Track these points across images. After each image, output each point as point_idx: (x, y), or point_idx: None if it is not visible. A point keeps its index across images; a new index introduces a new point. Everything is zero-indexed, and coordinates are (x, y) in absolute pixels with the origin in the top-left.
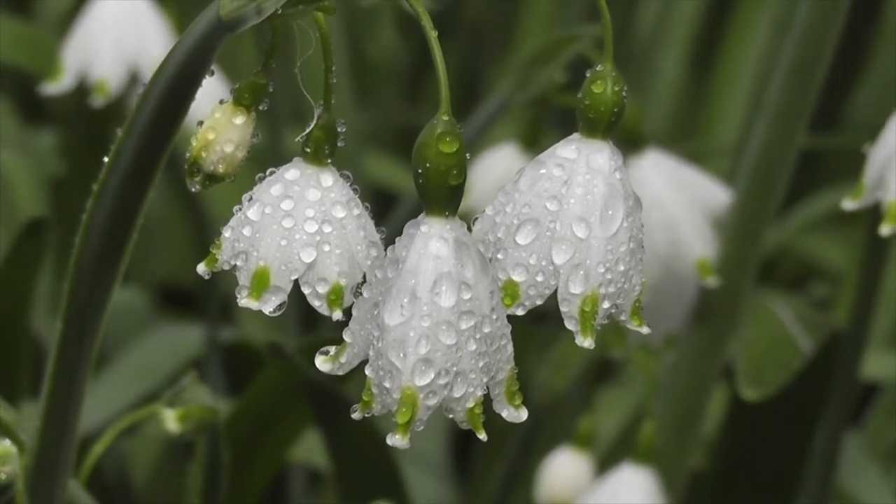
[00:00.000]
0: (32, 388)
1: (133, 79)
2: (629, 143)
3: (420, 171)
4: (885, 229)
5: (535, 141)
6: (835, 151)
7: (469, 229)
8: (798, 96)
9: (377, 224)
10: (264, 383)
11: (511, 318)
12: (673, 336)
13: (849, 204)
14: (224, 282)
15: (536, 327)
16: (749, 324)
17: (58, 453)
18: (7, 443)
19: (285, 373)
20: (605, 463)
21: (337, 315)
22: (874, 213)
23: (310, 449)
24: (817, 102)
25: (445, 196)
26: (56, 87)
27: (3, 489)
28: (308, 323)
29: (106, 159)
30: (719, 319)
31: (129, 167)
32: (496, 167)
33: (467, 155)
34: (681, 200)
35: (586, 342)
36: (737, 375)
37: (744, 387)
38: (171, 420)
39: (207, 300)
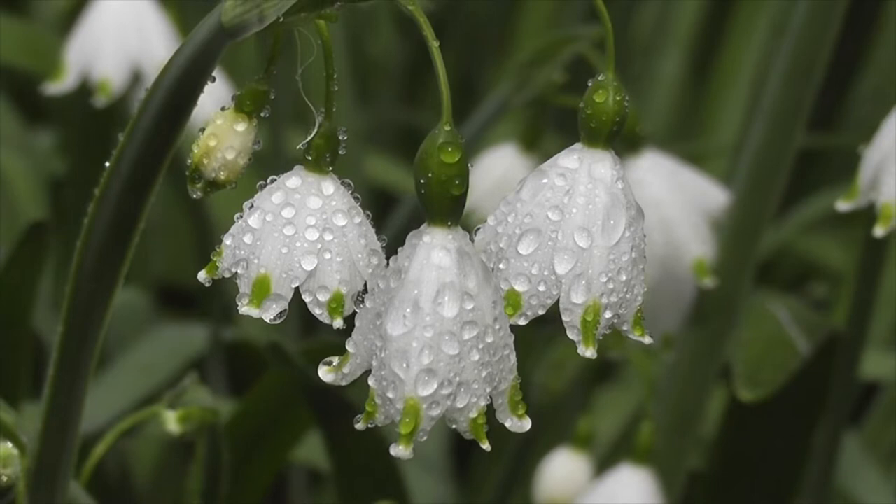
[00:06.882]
0: (33, 389)
1: (135, 79)
2: (627, 143)
3: (422, 181)
4: (879, 231)
5: (534, 141)
6: (835, 151)
7: (471, 236)
8: (795, 97)
9: (377, 223)
10: (266, 385)
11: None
12: (670, 337)
13: (843, 205)
14: (226, 283)
15: (536, 329)
16: (746, 325)
17: (59, 455)
18: (8, 445)
19: (287, 375)
20: (605, 463)
21: (338, 323)
22: (873, 214)
23: (311, 449)
24: (818, 102)
25: (447, 206)
26: (58, 86)
27: (4, 491)
28: (309, 324)
29: (107, 164)
30: (717, 320)
31: (130, 173)
32: (495, 168)
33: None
34: (678, 201)
35: (588, 352)
36: (734, 376)
37: (740, 388)
38: (171, 421)
39: (209, 301)
